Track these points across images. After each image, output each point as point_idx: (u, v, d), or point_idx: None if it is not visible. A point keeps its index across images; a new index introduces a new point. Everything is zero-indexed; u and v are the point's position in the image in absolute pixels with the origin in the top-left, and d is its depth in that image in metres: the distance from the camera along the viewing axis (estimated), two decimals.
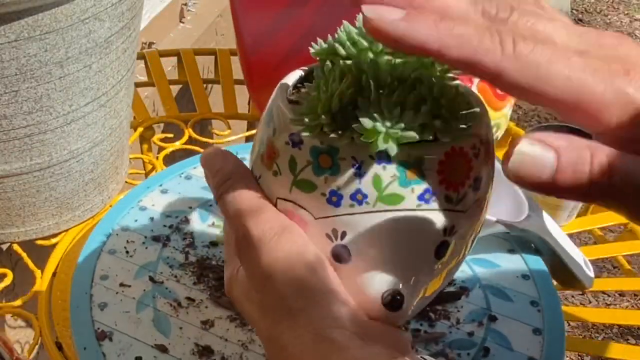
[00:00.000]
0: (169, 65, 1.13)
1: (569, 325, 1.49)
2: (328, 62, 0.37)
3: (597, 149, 0.29)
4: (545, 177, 0.29)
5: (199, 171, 0.71)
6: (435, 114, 0.34)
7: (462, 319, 0.57)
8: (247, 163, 0.40)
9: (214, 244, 0.63)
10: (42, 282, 0.66)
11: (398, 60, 0.36)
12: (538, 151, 0.29)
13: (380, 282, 0.36)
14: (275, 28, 0.76)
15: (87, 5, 0.55)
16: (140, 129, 0.86)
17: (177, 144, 0.84)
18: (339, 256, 0.36)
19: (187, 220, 0.65)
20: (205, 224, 0.65)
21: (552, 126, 0.77)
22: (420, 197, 0.34)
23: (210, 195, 0.68)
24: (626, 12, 2.92)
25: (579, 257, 0.65)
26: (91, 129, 0.64)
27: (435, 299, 0.58)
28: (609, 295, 1.58)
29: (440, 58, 0.29)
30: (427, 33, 0.29)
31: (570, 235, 0.71)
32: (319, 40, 0.38)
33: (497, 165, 0.66)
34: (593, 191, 0.29)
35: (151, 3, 1.31)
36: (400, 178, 0.34)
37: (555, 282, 0.63)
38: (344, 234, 0.36)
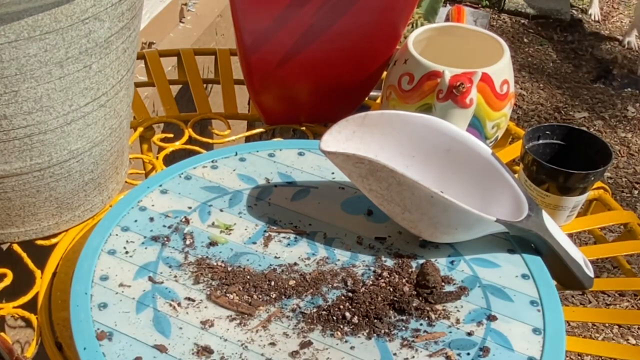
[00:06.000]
0: (169, 65, 1.13)
1: (569, 325, 1.49)
2: None
3: None
4: None
5: (198, 171, 0.71)
6: None
7: (462, 319, 0.57)
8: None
9: (213, 244, 0.63)
10: (42, 282, 0.66)
11: None
12: None
13: None
14: (275, 28, 0.76)
15: (87, 5, 0.55)
16: (140, 129, 0.86)
17: (177, 144, 0.84)
18: None
19: (186, 221, 0.65)
20: (205, 224, 0.65)
21: (552, 126, 0.77)
22: None
23: (209, 195, 0.68)
24: (626, 12, 2.92)
25: (579, 257, 0.65)
26: (91, 129, 0.64)
27: (436, 298, 0.58)
28: (609, 295, 1.58)
29: None
30: None
31: (570, 235, 0.71)
32: None
33: (497, 165, 0.66)
34: None
35: (151, 3, 1.31)
36: None
37: (555, 282, 0.63)
38: None
